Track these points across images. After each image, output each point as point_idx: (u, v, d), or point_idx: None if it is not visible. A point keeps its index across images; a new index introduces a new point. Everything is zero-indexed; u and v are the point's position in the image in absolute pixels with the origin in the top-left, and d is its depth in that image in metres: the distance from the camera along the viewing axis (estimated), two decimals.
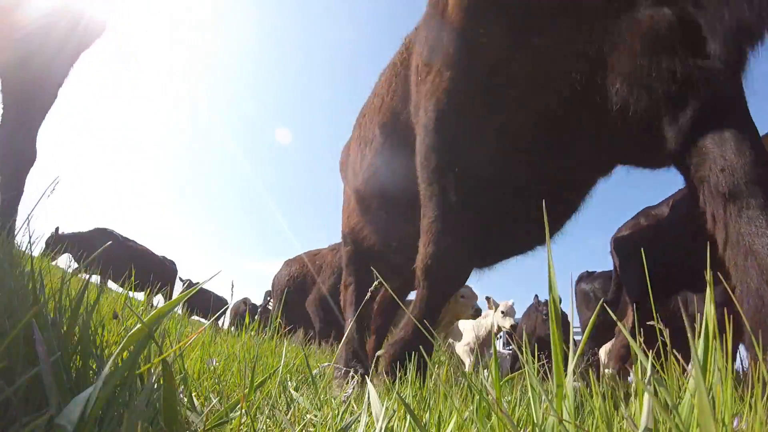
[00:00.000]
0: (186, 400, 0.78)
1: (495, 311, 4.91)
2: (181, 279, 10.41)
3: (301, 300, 6.18)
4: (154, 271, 8.79)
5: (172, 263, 10.27)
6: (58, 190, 1.06)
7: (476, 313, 5.36)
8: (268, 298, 11.17)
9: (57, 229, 7.63)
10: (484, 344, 4.96)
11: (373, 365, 2.82)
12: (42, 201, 0.95)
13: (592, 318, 0.67)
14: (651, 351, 0.67)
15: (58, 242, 7.18)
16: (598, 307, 0.75)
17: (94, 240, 8.25)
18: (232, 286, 2.78)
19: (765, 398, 0.63)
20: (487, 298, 5.03)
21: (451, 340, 5.38)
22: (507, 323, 4.75)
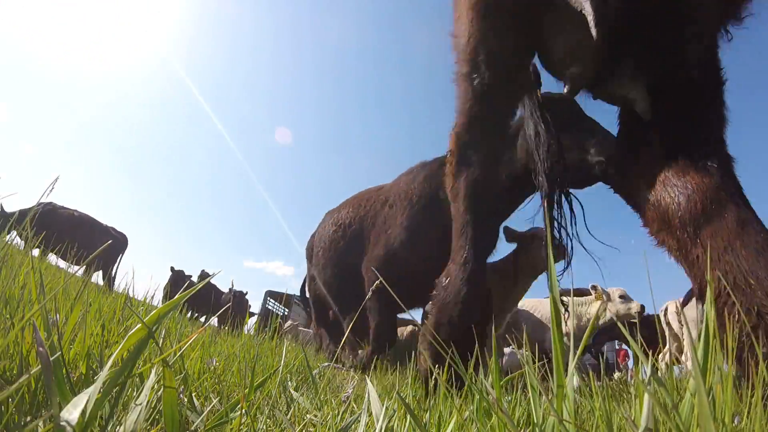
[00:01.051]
0: (186, 400, 0.78)
1: (610, 300, 3.97)
2: (172, 269, 10.25)
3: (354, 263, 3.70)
4: (98, 241, 8.15)
5: (122, 234, 9.84)
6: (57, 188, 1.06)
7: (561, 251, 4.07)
8: (268, 298, 11.16)
9: (1, 206, 7.25)
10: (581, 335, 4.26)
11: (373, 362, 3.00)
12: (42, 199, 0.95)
13: (593, 319, 0.66)
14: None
15: (5, 219, 6.92)
16: (599, 305, 0.75)
17: (38, 214, 7.90)
18: (232, 284, 2.77)
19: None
20: (593, 287, 4.00)
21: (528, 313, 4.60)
22: (634, 306, 3.98)
